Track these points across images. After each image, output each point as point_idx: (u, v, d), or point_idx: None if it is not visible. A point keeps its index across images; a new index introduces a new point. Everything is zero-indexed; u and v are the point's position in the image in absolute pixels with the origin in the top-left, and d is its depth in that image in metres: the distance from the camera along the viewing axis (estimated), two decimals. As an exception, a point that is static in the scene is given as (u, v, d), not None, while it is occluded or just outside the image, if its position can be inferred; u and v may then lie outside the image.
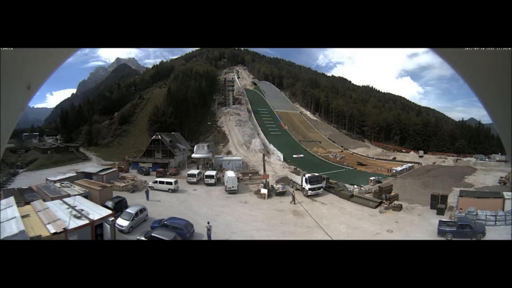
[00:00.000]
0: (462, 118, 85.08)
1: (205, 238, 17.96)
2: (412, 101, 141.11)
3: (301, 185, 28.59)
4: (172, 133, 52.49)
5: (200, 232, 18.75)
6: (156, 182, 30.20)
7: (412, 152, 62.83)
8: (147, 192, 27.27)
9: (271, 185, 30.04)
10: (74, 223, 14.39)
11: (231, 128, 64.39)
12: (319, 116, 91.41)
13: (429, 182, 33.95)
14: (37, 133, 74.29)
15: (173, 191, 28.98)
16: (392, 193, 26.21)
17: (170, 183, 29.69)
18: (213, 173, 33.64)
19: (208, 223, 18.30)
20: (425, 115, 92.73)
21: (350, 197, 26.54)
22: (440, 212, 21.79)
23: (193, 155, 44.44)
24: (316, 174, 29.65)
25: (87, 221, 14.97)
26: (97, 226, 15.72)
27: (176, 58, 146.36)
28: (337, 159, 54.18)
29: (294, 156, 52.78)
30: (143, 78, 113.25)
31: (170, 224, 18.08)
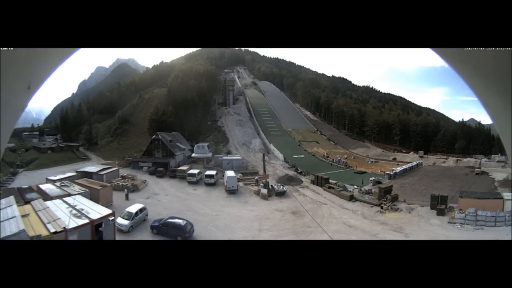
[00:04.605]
0: (462, 119, 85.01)
1: (205, 238, 17.99)
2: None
3: None
4: (172, 132, 52.42)
5: (200, 232, 18.77)
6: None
7: (412, 152, 62.74)
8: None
9: (271, 185, 30.04)
10: (74, 223, 14.40)
11: (231, 128, 64.31)
12: (319, 116, 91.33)
13: (429, 183, 33.95)
14: (37, 133, 74.07)
15: None
16: (392, 194, 26.20)
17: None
18: (213, 172, 33.57)
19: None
20: (425, 115, 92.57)
21: (350, 197, 26.54)
22: (440, 212, 21.78)
23: (193, 155, 44.39)
24: None
25: (87, 221, 14.97)
26: (97, 225, 15.72)
27: (176, 58, 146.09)
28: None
29: (294, 156, 52.70)
30: (143, 78, 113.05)
31: (170, 224, 18.10)
